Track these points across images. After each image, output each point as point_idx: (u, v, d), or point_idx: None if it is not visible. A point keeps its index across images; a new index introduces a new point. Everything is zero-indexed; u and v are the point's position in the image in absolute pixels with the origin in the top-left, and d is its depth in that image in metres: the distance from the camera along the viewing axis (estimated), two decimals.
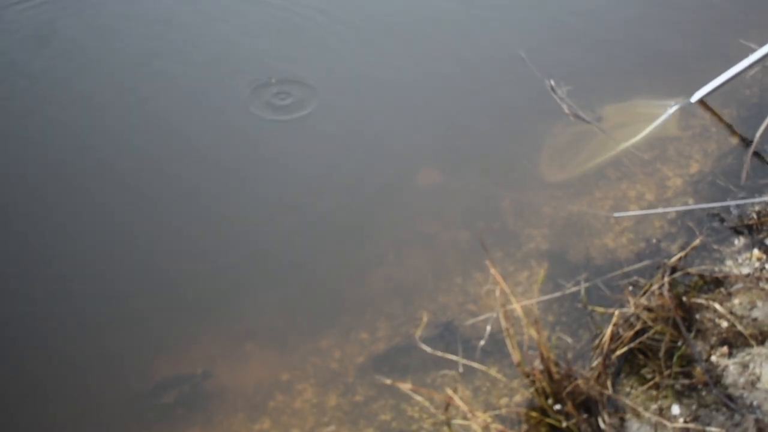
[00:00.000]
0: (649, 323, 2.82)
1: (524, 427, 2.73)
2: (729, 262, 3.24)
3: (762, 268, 3.16)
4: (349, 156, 3.84)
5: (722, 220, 3.42)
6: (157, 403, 2.98)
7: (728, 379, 2.76)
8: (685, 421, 2.67)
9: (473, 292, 3.21)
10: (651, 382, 2.79)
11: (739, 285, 3.02)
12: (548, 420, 2.63)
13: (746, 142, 3.77)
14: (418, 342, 2.69)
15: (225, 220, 3.55)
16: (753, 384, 2.73)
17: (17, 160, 3.84)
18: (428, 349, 2.67)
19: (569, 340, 2.98)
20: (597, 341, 2.90)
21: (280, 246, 3.47)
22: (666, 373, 2.77)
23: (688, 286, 3.10)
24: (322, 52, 4.36)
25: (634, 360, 2.86)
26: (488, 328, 2.85)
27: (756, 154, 3.64)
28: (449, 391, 2.55)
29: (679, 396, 2.75)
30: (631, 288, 3.09)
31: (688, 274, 3.12)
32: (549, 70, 4.08)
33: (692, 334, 2.87)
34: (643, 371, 2.84)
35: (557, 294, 3.06)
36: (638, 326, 2.84)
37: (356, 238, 3.49)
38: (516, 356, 2.61)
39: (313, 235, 3.50)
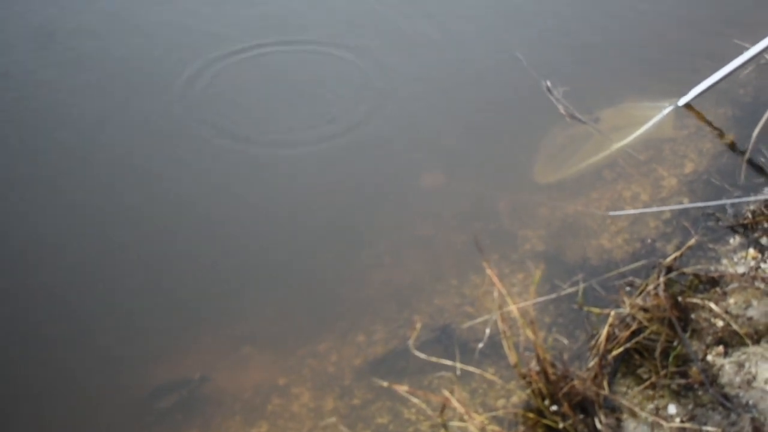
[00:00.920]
0: (645, 323, 2.83)
1: (521, 428, 2.74)
2: (724, 262, 3.25)
3: (757, 267, 3.16)
4: (346, 159, 3.84)
5: (717, 220, 3.43)
6: (154, 408, 2.98)
7: (724, 379, 2.76)
8: (682, 421, 2.67)
9: (470, 294, 3.21)
10: (647, 382, 2.79)
11: (735, 284, 3.03)
12: (545, 421, 2.64)
13: (741, 142, 3.77)
14: (412, 349, 2.69)
15: (221, 224, 3.55)
16: (749, 383, 2.73)
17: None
18: (423, 356, 2.67)
19: (565, 341, 2.99)
20: (593, 342, 2.90)
21: (276, 249, 3.47)
22: (662, 373, 2.78)
23: (683, 286, 3.11)
24: None
25: (631, 360, 2.87)
26: (487, 330, 2.85)
27: (751, 155, 3.64)
28: (446, 393, 2.55)
29: (676, 396, 2.75)
30: (627, 288, 3.09)
31: (683, 273, 3.13)
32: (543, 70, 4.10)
33: (688, 334, 2.88)
34: (640, 371, 2.84)
35: (553, 295, 3.06)
36: (634, 326, 2.84)
37: (353, 241, 3.49)
38: (513, 358, 2.61)
39: (310, 239, 3.50)
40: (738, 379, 2.75)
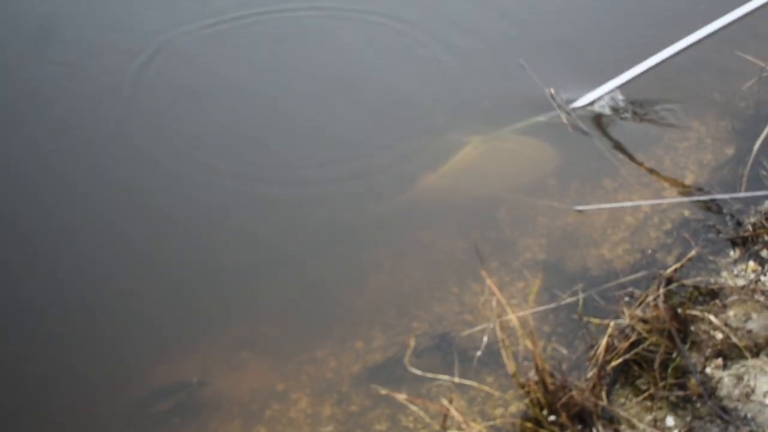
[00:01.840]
0: (644, 334, 2.83)
1: None
2: (724, 274, 3.25)
3: (757, 280, 3.17)
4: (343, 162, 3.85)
5: (718, 232, 3.43)
6: (152, 411, 2.98)
7: (723, 391, 2.76)
8: None
9: (469, 302, 3.21)
10: (646, 394, 2.79)
11: (735, 297, 3.03)
12: (543, 431, 2.64)
13: (743, 155, 3.77)
14: (408, 365, 2.69)
15: (218, 229, 3.56)
16: (748, 396, 2.73)
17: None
18: (418, 372, 2.67)
19: (564, 351, 2.99)
20: (592, 352, 2.90)
21: (275, 254, 3.47)
22: (661, 384, 2.78)
23: (683, 298, 3.10)
24: None
25: (629, 371, 2.87)
26: (485, 339, 2.85)
27: (752, 168, 3.64)
28: (444, 402, 2.55)
29: (674, 407, 2.75)
30: (626, 299, 3.09)
31: (683, 285, 3.12)
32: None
33: (687, 346, 2.88)
34: (638, 382, 2.84)
35: (553, 305, 3.06)
36: (633, 337, 2.84)
37: (352, 247, 3.49)
38: (511, 367, 2.61)
39: (309, 244, 3.50)
40: (737, 392, 2.75)
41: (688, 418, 2.72)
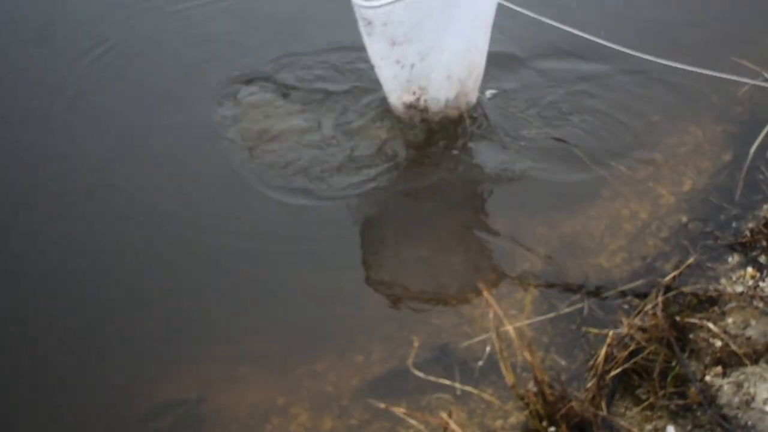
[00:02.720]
0: (643, 344, 2.82)
1: None
2: (723, 281, 3.24)
3: (756, 286, 3.16)
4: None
5: (716, 238, 3.43)
6: (151, 428, 2.97)
7: (723, 399, 2.75)
8: None
9: (468, 314, 3.21)
10: (646, 403, 2.79)
11: (733, 303, 3.02)
12: None
13: (739, 160, 3.77)
14: (410, 368, 2.69)
15: (217, 242, 3.56)
16: (747, 404, 2.72)
17: None
18: (421, 375, 2.66)
19: (563, 362, 2.98)
20: (591, 362, 2.89)
21: (274, 267, 3.47)
22: (660, 393, 2.77)
23: (682, 306, 3.10)
24: None
25: (629, 381, 2.86)
26: (487, 349, 2.85)
27: (749, 172, 3.63)
28: (444, 415, 2.55)
29: (674, 416, 2.75)
30: (625, 308, 3.09)
31: (682, 293, 3.12)
32: None
33: (686, 354, 2.87)
34: (638, 392, 2.84)
35: (552, 314, 3.06)
36: (632, 347, 2.83)
37: (351, 260, 3.49)
38: (510, 378, 2.61)
39: (307, 256, 3.50)
40: (736, 400, 2.74)
41: (689, 427, 2.71)
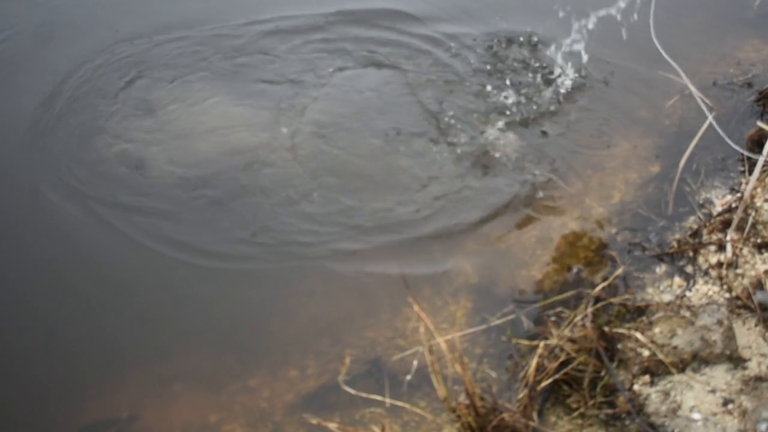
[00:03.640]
0: (573, 354, 2.86)
1: None
2: (651, 291, 3.30)
3: (683, 296, 3.23)
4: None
5: (644, 249, 3.49)
6: None
7: (650, 407, 2.81)
8: None
9: (401, 327, 3.22)
10: (576, 413, 2.83)
11: (661, 313, 3.08)
12: None
13: (667, 172, 3.85)
14: (342, 385, 2.68)
15: (148, 262, 3.52)
16: (674, 411, 2.78)
17: None
18: (352, 391, 2.66)
19: (494, 374, 3.01)
20: (522, 373, 2.92)
21: (205, 285, 3.44)
22: (590, 403, 2.81)
23: (610, 316, 3.15)
24: None
25: (560, 391, 2.90)
26: (415, 363, 2.86)
27: (678, 185, 3.71)
28: (376, 430, 2.55)
29: (604, 425, 2.79)
30: (555, 319, 3.13)
31: (611, 303, 3.17)
32: None
33: (615, 364, 2.92)
34: (569, 401, 2.87)
35: (483, 326, 3.08)
36: (562, 357, 2.87)
37: (284, 276, 3.47)
38: (441, 391, 2.62)
39: (240, 274, 3.47)
40: (664, 408, 2.80)
41: None
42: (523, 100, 4.27)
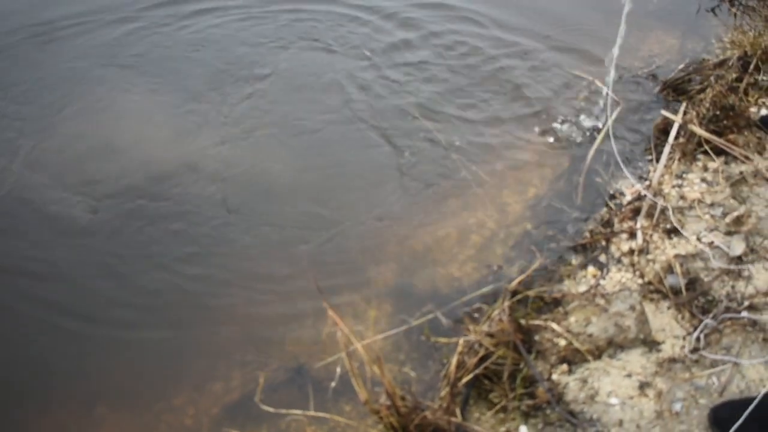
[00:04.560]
0: (492, 349, 2.90)
1: None
2: (566, 281, 3.37)
3: (597, 285, 3.30)
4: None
5: (559, 241, 3.56)
6: None
7: (569, 396, 2.87)
8: None
9: (325, 333, 3.22)
10: (498, 406, 2.87)
11: (576, 303, 3.14)
12: None
13: (577, 164, 3.95)
14: (259, 403, 2.69)
15: (59, 273, 3.47)
16: (592, 398, 2.84)
17: None
18: (270, 409, 2.67)
19: (416, 373, 3.04)
20: (444, 371, 2.96)
21: (122, 297, 3.40)
22: (511, 395, 2.86)
23: (528, 309, 3.20)
24: None
25: (481, 386, 2.93)
26: (338, 369, 2.87)
27: (587, 176, 3.80)
28: None
29: (526, 416, 2.84)
30: (474, 315, 3.17)
31: (527, 297, 3.23)
32: None
33: (533, 356, 2.97)
34: (491, 396, 2.91)
35: (403, 328, 3.10)
36: (482, 353, 2.91)
37: (204, 286, 3.45)
38: (363, 395, 2.64)
39: (157, 286, 3.44)
40: (582, 395, 2.86)
41: (540, 425, 2.80)
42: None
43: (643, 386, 2.85)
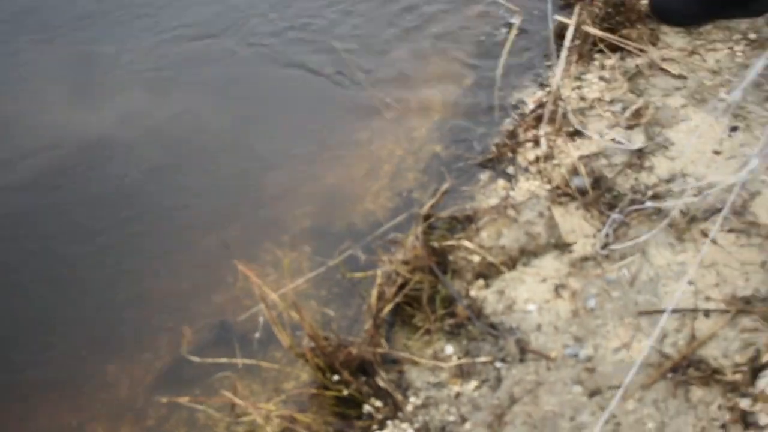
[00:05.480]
0: (408, 276, 2.94)
1: (312, 405, 2.80)
2: (478, 198, 3.41)
3: (507, 197, 3.34)
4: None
5: (467, 159, 3.59)
6: None
7: (488, 309, 2.93)
8: (458, 358, 2.81)
9: (245, 287, 3.23)
10: (422, 330, 2.92)
11: (487, 218, 3.19)
12: (329, 393, 2.72)
13: (481, 82, 3.96)
14: (186, 355, 2.70)
15: None
16: (510, 308, 2.91)
17: None
18: (197, 359, 2.68)
19: (334, 313, 3.07)
20: (366, 305, 2.99)
21: (39, 277, 3.38)
22: (433, 318, 2.91)
23: (442, 231, 3.24)
24: None
25: (404, 313, 2.98)
26: (261, 319, 2.89)
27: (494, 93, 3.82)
28: (225, 393, 2.58)
29: (449, 336, 2.90)
30: (390, 246, 3.20)
31: (440, 218, 3.26)
32: None
33: (449, 276, 3.02)
34: (414, 321, 2.96)
35: (321, 269, 3.12)
36: (399, 281, 2.95)
37: (122, 256, 3.44)
38: (285, 341, 2.67)
39: (73, 260, 3.42)
40: (500, 306, 2.92)
41: (464, 342, 2.87)
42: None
43: (557, 288, 2.92)
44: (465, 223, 3.26)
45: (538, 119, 3.63)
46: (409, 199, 3.47)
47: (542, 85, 3.88)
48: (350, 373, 2.71)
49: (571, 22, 4.01)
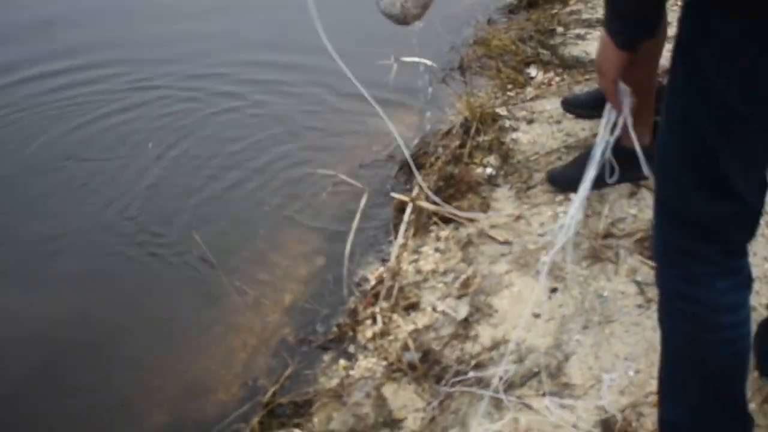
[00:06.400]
0: None
1: None
2: (321, 380, 3.56)
3: (347, 376, 3.50)
4: None
5: (310, 343, 3.76)
6: None
7: None
8: None
9: None
10: None
11: (320, 401, 3.34)
12: None
13: (330, 263, 4.18)
14: None
15: None
16: None
17: None
18: None
19: None
20: None
21: None
22: None
23: (285, 418, 3.37)
24: None
25: None
26: None
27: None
28: None
29: None
30: None
31: (281, 405, 3.40)
32: None
33: None
34: None
35: None
36: None
37: None
38: None
39: None
40: None
41: None
42: None
43: None
44: (304, 407, 3.40)
45: (377, 295, 3.84)
46: (255, 387, 3.60)
47: (383, 261, 4.11)
48: None
49: (407, 198, 4.31)
